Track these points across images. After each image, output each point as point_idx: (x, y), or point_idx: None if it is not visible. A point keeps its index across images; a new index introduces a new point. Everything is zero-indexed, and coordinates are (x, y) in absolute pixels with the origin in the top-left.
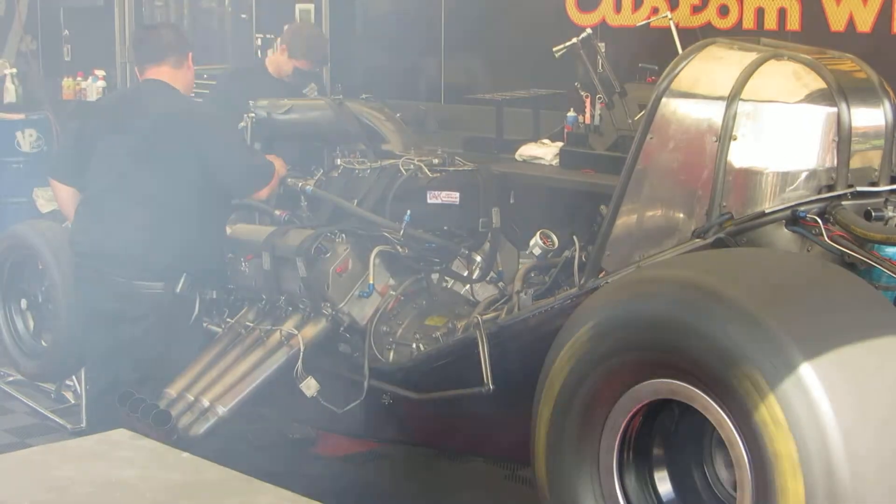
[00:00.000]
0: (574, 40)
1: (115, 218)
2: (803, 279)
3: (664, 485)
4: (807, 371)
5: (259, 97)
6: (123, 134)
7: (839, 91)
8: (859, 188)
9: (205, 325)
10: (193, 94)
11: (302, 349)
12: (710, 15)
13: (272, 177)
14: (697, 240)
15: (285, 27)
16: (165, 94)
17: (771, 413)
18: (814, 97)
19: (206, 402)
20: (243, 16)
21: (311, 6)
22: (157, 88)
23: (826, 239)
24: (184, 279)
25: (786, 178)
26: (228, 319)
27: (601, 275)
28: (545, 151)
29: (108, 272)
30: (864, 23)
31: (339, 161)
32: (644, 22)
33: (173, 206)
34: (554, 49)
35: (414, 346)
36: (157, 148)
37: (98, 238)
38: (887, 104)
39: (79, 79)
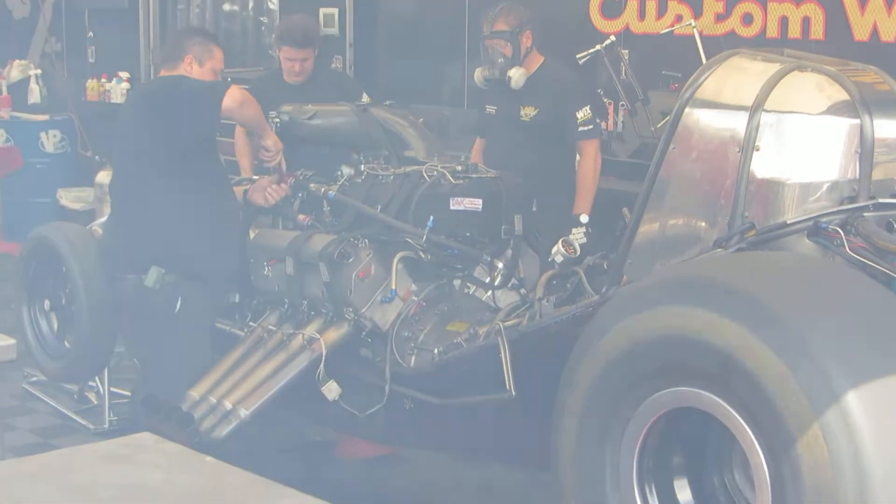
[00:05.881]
0: (598, 47)
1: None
2: (844, 293)
3: (684, 493)
4: (849, 398)
5: (273, 104)
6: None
7: (862, 103)
8: (882, 200)
9: (228, 329)
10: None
11: (324, 353)
12: (733, 23)
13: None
14: (719, 249)
15: None
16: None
17: (809, 438)
18: (837, 109)
19: (228, 405)
20: (263, 19)
21: (335, 10)
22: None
23: (848, 250)
24: (154, 273)
25: (808, 189)
26: (251, 323)
27: (623, 282)
28: None
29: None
30: (889, 32)
31: (362, 167)
32: (668, 30)
33: (151, 201)
34: (577, 56)
35: (436, 351)
36: (141, 136)
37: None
38: None
39: (103, 80)
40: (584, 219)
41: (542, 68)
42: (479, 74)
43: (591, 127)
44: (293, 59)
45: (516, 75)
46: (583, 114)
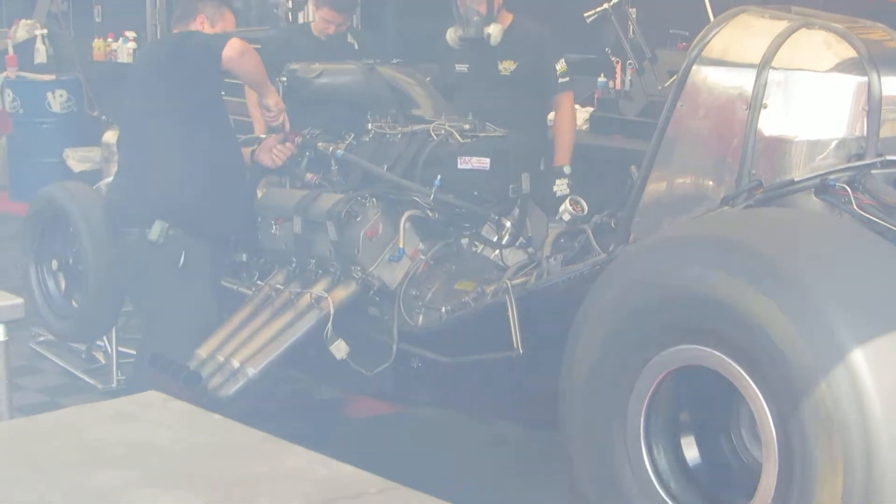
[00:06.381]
0: (605, 6)
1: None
2: (851, 250)
3: (691, 451)
4: (856, 355)
5: (299, 57)
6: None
7: (870, 60)
8: (889, 157)
9: (236, 288)
10: None
11: (332, 312)
12: None
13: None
14: (727, 207)
15: None
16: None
17: (815, 395)
18: (844, 66)
19: (236, 364)
20: None
21: None
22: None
23: (855, 208)
24: (157, 227)
25: (815, 147)
26: (259, 282)
27: (630, 240)
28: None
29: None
30: None
31: (370, 126)
32: None
33: (156, 155)
34: (585, 14)
35: (443, 310)
36: (148, 89)
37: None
38: None
39: (109, 40)
40: (568, 170)
41: (514, 23)
42: (452, 34)
43: (568, 79)
44: (331, 21)
45: (495, 31)
46: (560, 66)
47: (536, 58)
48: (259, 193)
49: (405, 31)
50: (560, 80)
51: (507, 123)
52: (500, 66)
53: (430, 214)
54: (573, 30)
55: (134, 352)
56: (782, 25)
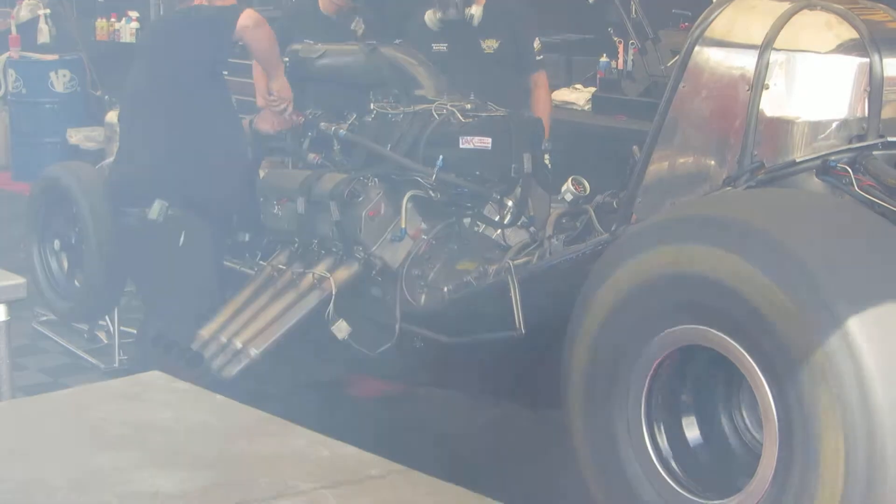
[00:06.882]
0: None
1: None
2: (852, 230)
3: (692, 431)
4: (857, 335)
5: (308, 34)
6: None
7: (871, 41)
8: (890, 138)
9: (238, 268)
10: None
11: (334, 292)
12: None
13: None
14: (729, 188)
15: None
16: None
17: (816, 375)
18: (846, 47)
19: (238, 344)
20: None
21: None
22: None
23: (856, 189)
24: (157, 206)
25: (817, 128)
26: (261, 262)
27: (633, 220)
28: (578, 97)
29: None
30: None
31: (372, 106)
32: None
33: (156, 134)
34: None
35: (445, 290)
36: (152, 65)
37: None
38: None
39: (112, 20)
40: (548, 144)
41: (490, 2)
42: (431, 16)
43: (542, 57)
44: (339, 4)
45: (477, 11)
46: (537, 43)
47: (516, 34)
48: (262, 174)
49: (404, 10)
50: (537, 58)
51: (492, 101)
52: (484, 45)
53: (433, 194)
54: (575, 9)
55: (136, 331)
56: (784, 6)
